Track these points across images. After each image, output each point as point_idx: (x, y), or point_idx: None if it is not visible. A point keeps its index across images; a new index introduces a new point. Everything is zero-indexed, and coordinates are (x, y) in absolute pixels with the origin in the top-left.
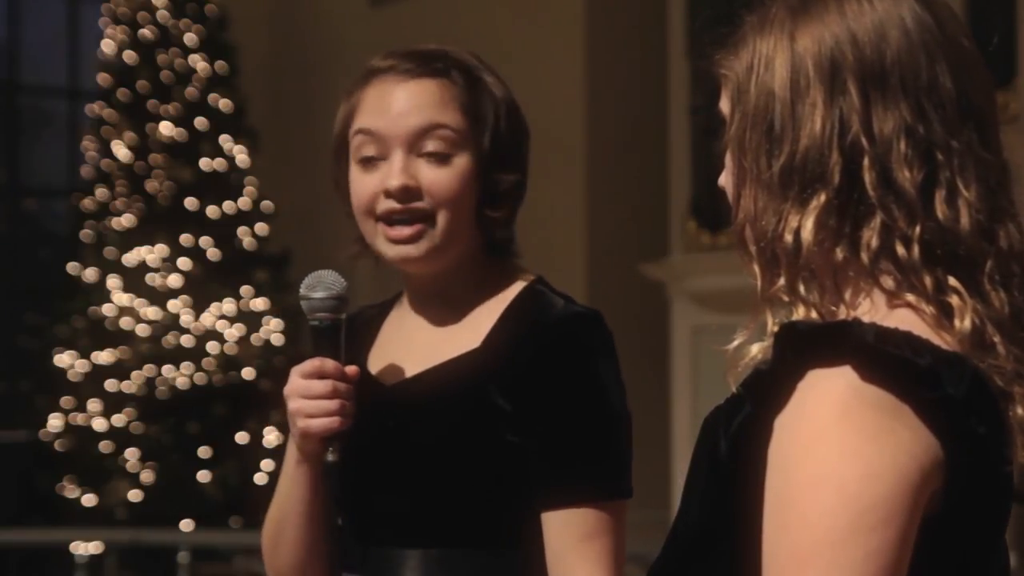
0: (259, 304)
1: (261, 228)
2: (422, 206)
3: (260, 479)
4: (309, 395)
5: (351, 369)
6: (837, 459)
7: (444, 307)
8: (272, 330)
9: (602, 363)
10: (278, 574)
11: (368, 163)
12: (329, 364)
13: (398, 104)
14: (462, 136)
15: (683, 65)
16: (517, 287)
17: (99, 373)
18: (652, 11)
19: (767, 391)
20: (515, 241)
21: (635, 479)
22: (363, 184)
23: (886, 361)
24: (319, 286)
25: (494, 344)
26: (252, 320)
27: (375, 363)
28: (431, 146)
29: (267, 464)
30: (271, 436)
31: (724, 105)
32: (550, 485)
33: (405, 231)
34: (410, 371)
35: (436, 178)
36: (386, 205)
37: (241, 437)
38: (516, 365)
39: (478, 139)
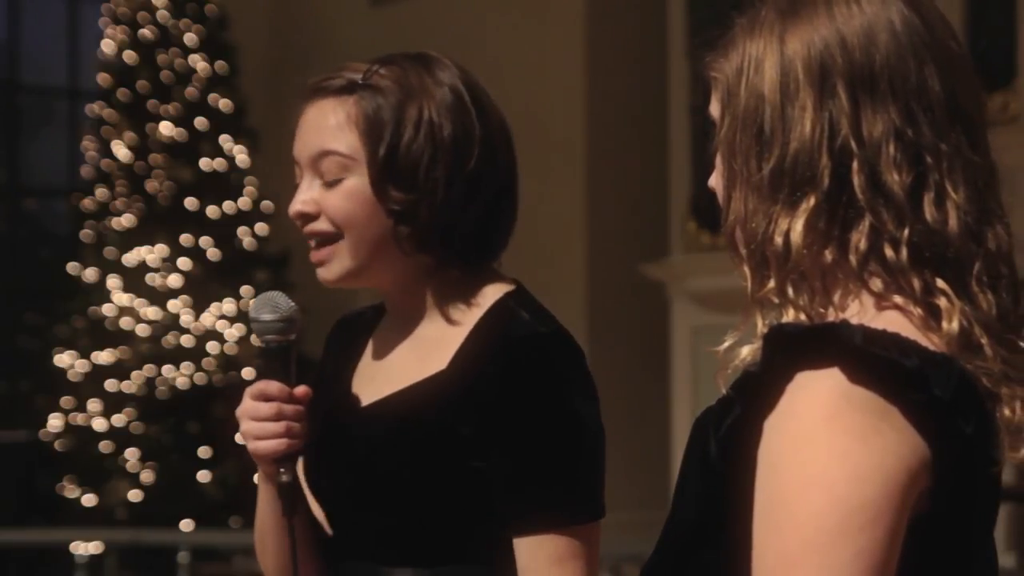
0: None
1: (261, 228)
2: (320, 227)
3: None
4: (256, 417)
5: (300, 390)
6: (825, 460)
7: (415, 325)
8: None
9: (566, 383)
10: None
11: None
12: (273, 387)
13: (303, 129)
14: (354, 158)
15: (683, 65)
16: (489, 301)
17: (99, 373)
18: (652, 11)
19: (756, 393)
20: (489, 254)
21: (635, 479)
22: None
23: (873, 363)
24: (266, 308)
25: (458, 367)
26: None
27: (356, 379)
28: (325, 170)
29: None
30: None
31: (714, 108)
32: (518, 512)
33: (317, 254)
34: (380, 392)
35: (328, 201)
36: (301, 229)
37: (241, 437)
38: (477, 391)
39: (372, 158)
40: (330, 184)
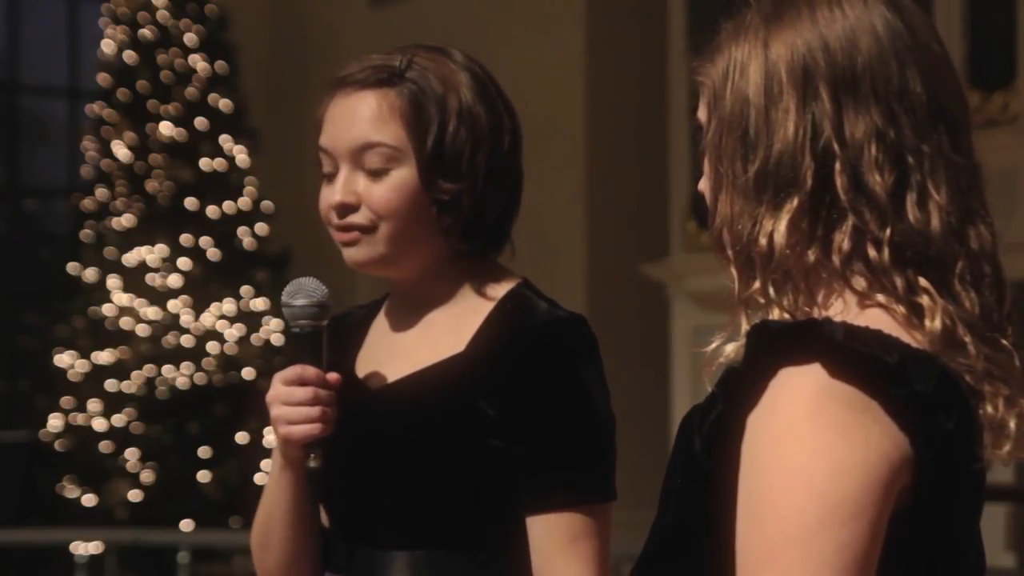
0: (259, 304)
1: (261, 228)
2: (359, 220)
3: (260, 479)
4: (290, 402)
5: (332, 376)
6: (807, 455)
7: (428, 311)
8: (272, 330)
9: (585, 367)
10: (265, 573)
11: (327, 178)
12: (310, 371)
13: (340, 120)
14: (400, 150)
15: (683, 65)
16: (501, 291)
17: (99, 373)
18: (652, 11)
19: (739, 389)
20: (501, 245)
21: (634, 479)
22: (322, 197)
23: (855, 358)
24: (300, 293)
25: (478, 349)
26: (252, 320)
27: (362, 366)
28: (369, 161)
29: (267, 464)
30: (271, 436)
31: (701, 112)
32: (535, 490)
33: (345, 236)
34: (395, 375)
35: (371, 193)
36: (333, 219)
37: (241, 437)
38: (500, 370)
39: (420, 150)
40: (374, 175)
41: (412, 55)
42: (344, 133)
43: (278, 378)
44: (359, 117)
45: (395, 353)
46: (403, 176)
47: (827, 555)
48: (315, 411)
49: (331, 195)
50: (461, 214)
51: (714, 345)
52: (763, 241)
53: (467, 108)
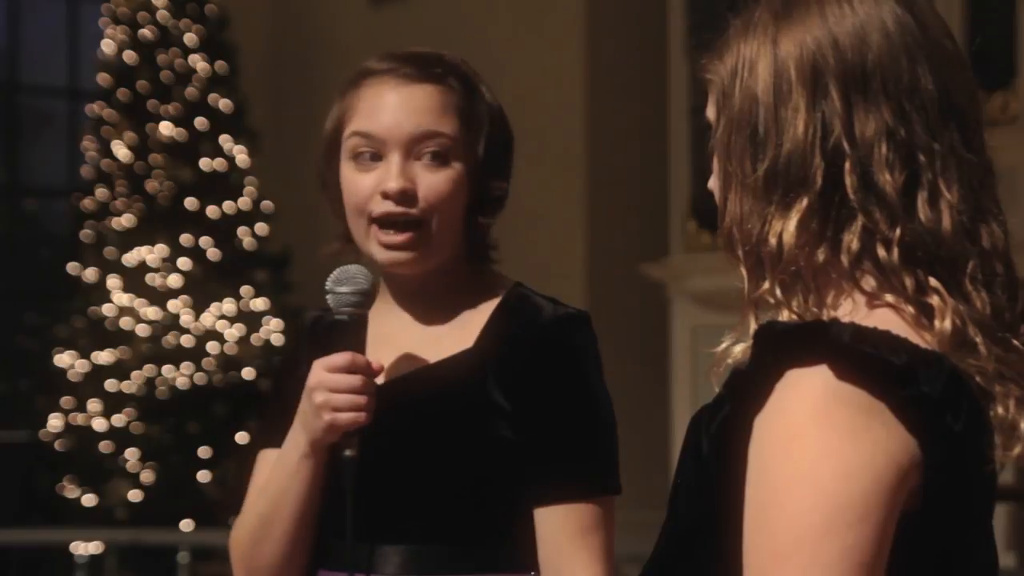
0: (259, 304)
1: (261, 228)
2: (415, 212)
3: None
4: (339, 388)
5: (377, 365)
6: (814, 458)
7: (428, 308)
8: (272, 330)
9: (591, 364)
10: (254, 571)
11: (363, 163)
12: (361, 359)
13: (397, 108)
14: (457, 144)
15: (683, 65)
16: (501, 290)
17: (99, 373)
18: (652, 11)
19: (746, 391)
20: (496, 247)
21: (635, 479)
22: (359, 183)
23: (861, 360)
24: (346, 281)
25: (487, 344)
26: (252, 320)
27: None
28: (428, 151)
29: None
30: None
31: (710, 110)
32: (545, 482)
33: (397, 238)
34: (402, 370)
35: (432, 182)
36: (383, 207)
37: (241, 437)
38: (513, 364)
39: (472, 146)
40: (429, 166)
41: (445, 56)
42: (402, 120)
43: (322, 364)
44: (419, 107)
45: (399, 349)
46: (458, 169)
47: (833, 558)
48: (363, 399)
49: (383, 181)
50: (498, 213)
51: (724, 346)
52: (772, 241)
53: (500, 114)
